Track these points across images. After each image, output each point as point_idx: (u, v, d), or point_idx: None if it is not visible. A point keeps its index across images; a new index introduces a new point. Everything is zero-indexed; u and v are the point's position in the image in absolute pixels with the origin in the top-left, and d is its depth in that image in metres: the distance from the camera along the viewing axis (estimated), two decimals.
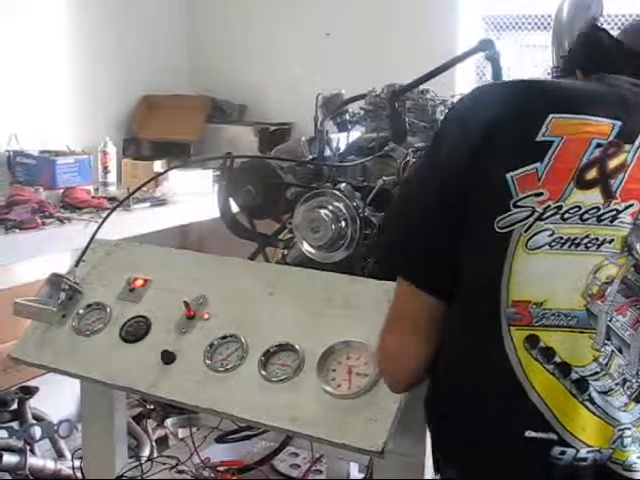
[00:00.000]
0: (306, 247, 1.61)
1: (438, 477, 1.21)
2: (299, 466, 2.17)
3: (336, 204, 1.58)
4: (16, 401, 3.03)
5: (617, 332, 1.03)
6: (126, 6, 3.83)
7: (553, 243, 1.04)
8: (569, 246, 1.04)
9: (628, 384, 1.02)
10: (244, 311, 1.44)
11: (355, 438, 1.21)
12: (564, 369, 1.02)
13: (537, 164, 1.06)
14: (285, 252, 1.73)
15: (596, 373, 1.02)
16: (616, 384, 1.02)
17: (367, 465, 1.78)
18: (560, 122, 1.08)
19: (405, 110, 1.78)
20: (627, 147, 1.06)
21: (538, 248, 1.04)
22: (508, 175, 1.06)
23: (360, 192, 1.63)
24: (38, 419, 3.07)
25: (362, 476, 2.05)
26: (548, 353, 1.02)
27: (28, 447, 2.89)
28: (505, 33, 5.08)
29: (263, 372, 1.33)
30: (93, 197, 3.11)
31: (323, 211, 1.58)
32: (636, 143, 1.07)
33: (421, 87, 1.80)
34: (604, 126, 1.07)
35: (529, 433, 1.02)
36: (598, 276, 1.03)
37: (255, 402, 1.31)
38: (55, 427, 2.99)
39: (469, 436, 1.08)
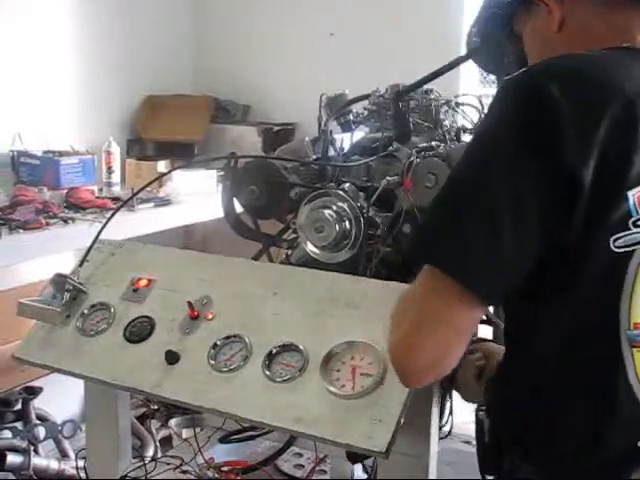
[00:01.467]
0: (310, 247, 1.61)
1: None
2: (303, 466, 2.16)
3: (340, 204, 1.58)
4: (20, 401, 3.04)
5: None
6: (130, 6, 3.83)
7: None
8: None
9: None
10: (248, 311, 1.44)
11: (359, 438, 1.21)
12: None
13: None
14: (289, 252, 1.73)
15: None
16: None
17: (371, 465, 1.77)
18: None
19: (409, 110, 1.78)
20: None
21: None
22: (630, 193, 0.99)
23: (364, 192, 1.63)
24: (42, 419, 3.08)
25: (366, 476, 2.05)
26: None
27: (32, 447, 2.90)
28: None
29: (267, 372, 1.33)
30: (97, 197, 3.11)
31: (327, 211, 1.58)
32: None
33: (425, 87, 1.80)
34: None
35: None
36: None
37: (259, 402, 1.30)
38: (59, 427, 3.00)
39: (581, 449, 1.08)
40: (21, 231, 2.62)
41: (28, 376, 2.96)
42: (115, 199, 3.07)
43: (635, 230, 1.00)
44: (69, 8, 3.56)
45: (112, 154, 3.39)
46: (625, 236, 1.00)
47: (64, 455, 3.05)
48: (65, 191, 3.05)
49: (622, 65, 1.05)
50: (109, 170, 3.37)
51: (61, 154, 3.28)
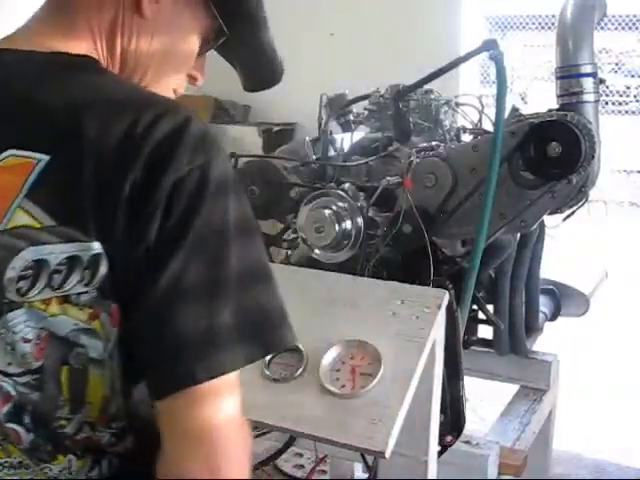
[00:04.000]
0: (310, 247, 1.61)
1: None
2: (303, 466, 2.17)
3: (340, 204, 1.58)
4: None
5: None
6: None
7: None
8: None
9: None
10: None
11: (359, 438, 1.21)
12: None
13: None
14: (289, 252, 1.73)
15: None
16: None
17: (371, 465, 1.77)
18: None
19: (409, 110, 1.78)
20: None
21: None
22: None
23: (364, 192, 1.63)
24: None
25: (366, 476, 2.05)
26: None
27: None
28: (509, 33, 5.08)
29: (267, 372, 1.33)
30: None
31: (327, 211, 1.58)
32: None
33: (425, 87, 1.80)
34: None
35: None
36: None
37: (259, 402, 1.30)
38: None
39: None
40: None
41: None
42: None
43: None
44: None
45: None
46: None
47: None
48: None
49: None
50: None
51: None
